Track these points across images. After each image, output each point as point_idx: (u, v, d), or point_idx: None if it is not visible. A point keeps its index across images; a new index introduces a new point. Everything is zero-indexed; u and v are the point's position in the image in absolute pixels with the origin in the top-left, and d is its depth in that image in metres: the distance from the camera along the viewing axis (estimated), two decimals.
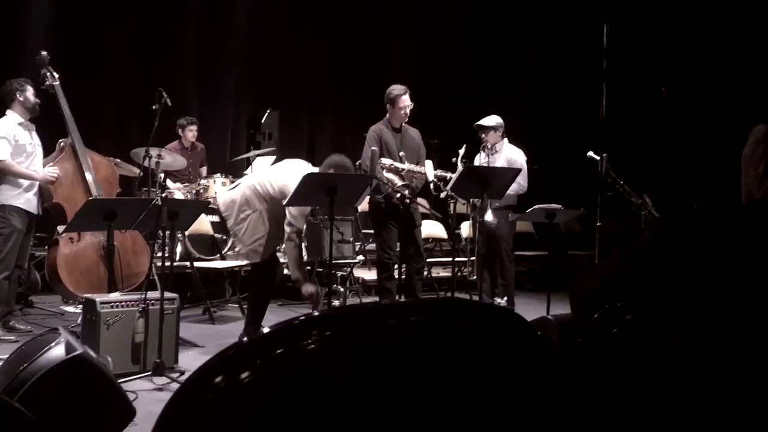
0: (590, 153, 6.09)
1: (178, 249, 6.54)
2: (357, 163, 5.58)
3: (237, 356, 0.74)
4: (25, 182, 5.20)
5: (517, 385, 0.76)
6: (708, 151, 6.55)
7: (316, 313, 0.83)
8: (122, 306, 4.30)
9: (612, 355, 1.05)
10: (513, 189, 5.91)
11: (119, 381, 3.21)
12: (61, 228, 5.27)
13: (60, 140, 5.52)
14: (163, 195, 5.31)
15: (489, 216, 5.48)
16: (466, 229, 7.46)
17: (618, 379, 1.02)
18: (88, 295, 4.44)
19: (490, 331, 0.80)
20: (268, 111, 8.28)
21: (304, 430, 0.69)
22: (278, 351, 0.73)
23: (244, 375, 0.72)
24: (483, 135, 6.23)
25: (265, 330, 0.76)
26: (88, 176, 5.44)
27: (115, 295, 4.43)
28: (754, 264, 1.25)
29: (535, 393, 0.77)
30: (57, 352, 3.04)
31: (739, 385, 1.11)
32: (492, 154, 6.20)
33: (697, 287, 1.22)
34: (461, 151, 5.78)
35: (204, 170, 7.72)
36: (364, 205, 6.70)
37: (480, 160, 6.20)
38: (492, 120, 6.27)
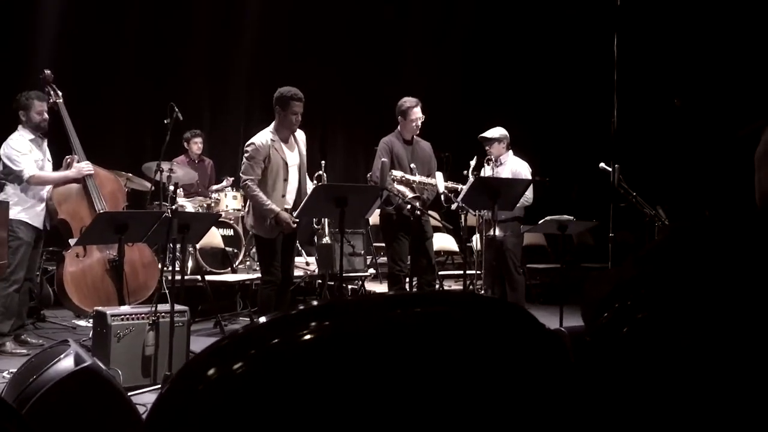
0: (602, 164, 6.06)
1: (189, 262, 6.54)
2: (368, 175, 5.58)
3: (230, 346, 0.72)
4: (33, 197, 5.22)
5: (524, 380, 0.74)
6: (720, 152, 6.51)
7: (315, 303, 0.81)
8: (133, 319, 4.29)
9: (622, 354, 1.03)
10: (519, 201, 5.89)
11: (129, 394, 3.20)
12: (72, 241, 5.28)
13: (66, 156, 5.54)
14: (174, 208, 5.31)
15: (497, 231, 5.47)
16: (477, 241, 7.42)
17: (628, 377, 1.00)
18: (99, 308, 4.44)
19: (497, 325, 0.78)
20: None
21: (298, 422, 0.67)
22: (274, 341, 0.71)
23: (237, 366, 0.70)
24: (487, 147, 6.19)
25: (262, 320, 0.74)
26: (93, 191, 5.46)
27: (125, 308, 4.43)
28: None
29: (543, 387, 0.75)
30: (66, 363, 3.03)
31: (749, 385, 1.08)
32: (497, 166, 6.17)
33: (711, 288, 1.19)
34: (472, 163, 5.76)
35: (213, 187, 7.75)
36: (375, 218, 6.69)
37: (485, 172, 6.16)
38: (496, 132, 6.23)
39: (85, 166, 5.38)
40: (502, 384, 0.73)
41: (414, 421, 0.69)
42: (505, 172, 6.18)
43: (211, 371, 0.70)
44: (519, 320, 0.80)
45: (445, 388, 0.70)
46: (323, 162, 5.33)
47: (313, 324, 0.72)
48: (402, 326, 0.74)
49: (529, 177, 6.20)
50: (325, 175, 5.24)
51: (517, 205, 5.86)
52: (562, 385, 0.77)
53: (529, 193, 6.10)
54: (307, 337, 0.71)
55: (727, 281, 1.20)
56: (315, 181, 5.22)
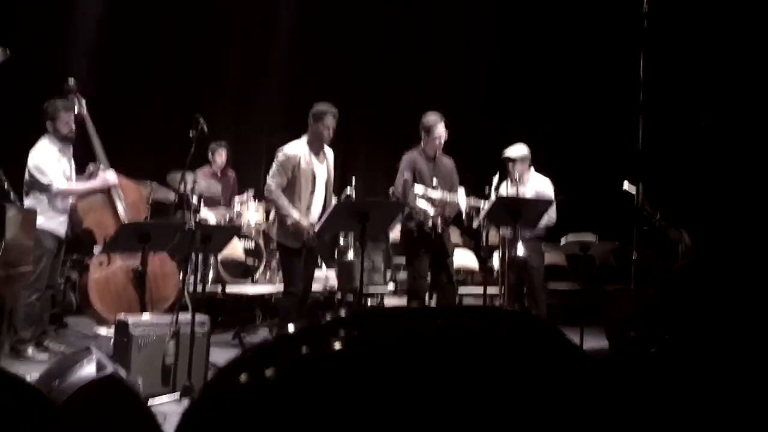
0: (626, 185, 6.02)
1: (210, 273, 6.59)
2: (390, 189, 5.59)
3: (262, 354, 0.73)
4: (58, 207, 5.29)
5: (548, 395, 0.74)
6: (744, 174, 6.42)
7: (343, 314, 0.82)
8: (154, 328, 4.33)
9: (651, 373, 1.02)
10: (543, 221, 5.86)
11: (149, 402, 3.22)
12: (97, 249, 5.35)
13: (89, 164, 5.61)
14: (197, 219, 5.36)
15: (521, 250, 5.44)
16: (498, 260, 7.39)
17: (658, 395, 0.99)
18: (121, 317, 4.48)
19: (522, 340, 0.78)
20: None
21: (327, 428, 0.68)
22: (304, 349, 0.72)
23: (268, 372, 0.71)
24: (510, 166, 6.14)
25: (291, 328, 0.75)
26: (117, 201, 5.52)
27: (147, 317, 4.47)
28: None
29: (568, 403, 0.75)
30: (88, 370, 3.06)
31: None
32: (520, 185, 6.14)
33: (736, 311, 1.18)
34: (495, 180, 5.75)
35: (236, 199, 7.80)
36: (395, 234, 6.70)
37: (507, 191, 6.12)
38: (519, 151, 6.18)
39: (110, 177, 5.45)
40: (525, 399, 0.73)
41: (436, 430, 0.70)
42: (528, 191, 6.15)
43: (243, 378, 0.71)
44: (544, 335, 0.80)
45: (468, 400, 0.70)
46: (353, 177, 5.37)
47: (342, 333, 0.73)
48: (427, 338, 0.74)
49: (552, 196, 6.17)
50: (354, 194, 5.28)
51: (541, 224, 5.83)
52: (588, 400, 0.77)
53: (552, 213, 6.06)
54: (337, 346, 0.72)
55: (752, 305, 1.19)
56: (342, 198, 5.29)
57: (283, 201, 5.08)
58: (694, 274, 1.43)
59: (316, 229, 4.91)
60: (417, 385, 0.70)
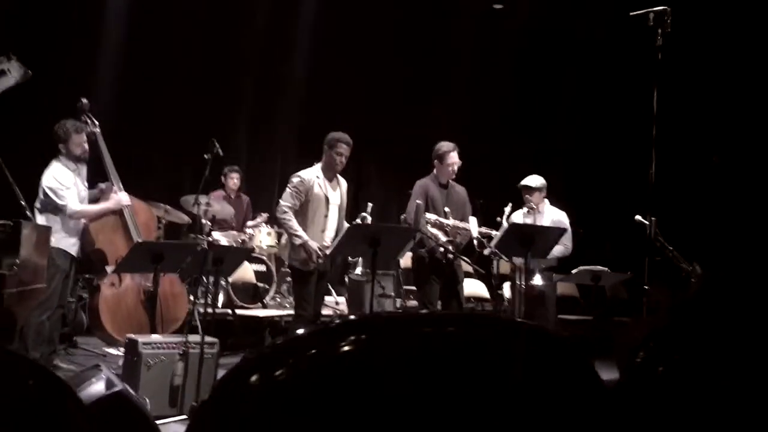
0: (638, 217, 6.01)
1: (221, 296, 6.60)
2: (401, 216, 5.61)
3: (272, 355, 0.74)
4: (71, 227, 5.31)
5: (556, 405, 0.75)
6: (757, 210, 6.42)
7: (353, 317, 0.83)
8: (163, 348, 4.34)
9: (658, 393, 1.02)
10: (559, 251, 5.85)
11: (157, 422, 3.21)
12: (109, 269, 5.37)
13: (99, 184, 5.64)
14: (209, 240, 5.39)
15: (538, 279, 5.43)
16: (508, 289, 7.36)
17: (665, 416, 0.99)
18: (131, 336, 4.49)
19: (528, 350, 0.79)
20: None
21: (334, 427, 0.69)
22: (312, 352, 0.73)
23: (278, 373, 0.72)
24: (528, 195, 6.17)
25: (300, 332, 0.76)
26: (129, 221, 5.55)
27: (156, 337, 4.48)
28: None
29: (575, 414, 0.75)
30: (97, 387, 3.06)
31: None
32: (536, 215, 6.14)
33: (747, 337, 1.18)
34: (507, 210, 5.75)
35: (249, 222, 7.84)
36: (406, 261, 6.70)
37: (522, 220, 6.12)
38: (537, 180, 6.22)
39: (123, 198, 5.48)
40: (528, 406, 0.73)
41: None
42: (545, 220, 6.15)
43: (254, 378, 0.72)
44: (551, 345, 0.81)
45: (473, 407, 0.71)
46: (370, 204, 5.42)
47: (350, 337, 0.74)
48: (434, 343, 0.75)
49: (569, 227, 6.16)
50: (369, 217, 5.32)
51: (557, 254, 5.84)
52: (595, 413, 0.77)
53: (569, 243, 6.06)
54: (345, 348, 0.73)
55: (762, 331, 1.19)
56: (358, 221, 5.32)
57: (294, 222, 5.14)
58: (705, 299, 1.44)
59: (329, 252, 4.93)
60: (423, 390, 0.71)
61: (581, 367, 0.80)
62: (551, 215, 6.21)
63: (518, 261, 5.96)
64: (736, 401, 1.02)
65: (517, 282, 5.97)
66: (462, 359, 0.74)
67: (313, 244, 5.08)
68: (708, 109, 8.15)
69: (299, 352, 0.74)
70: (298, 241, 5.09)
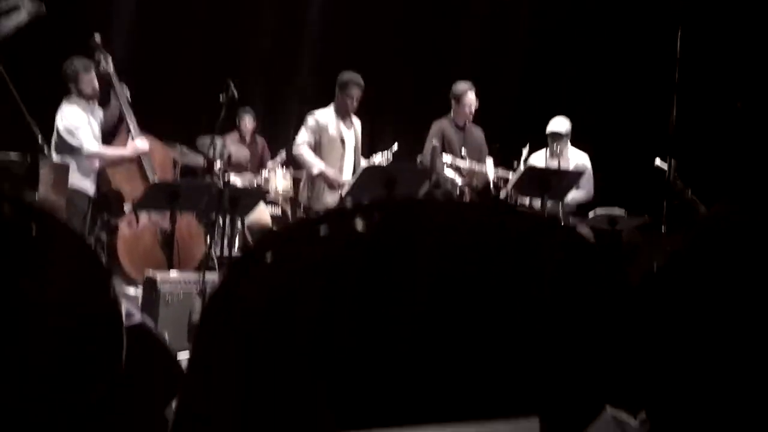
0: (657, 160, 5.94)
1: (237, 239, 6.62)
2: (418, 158, 5.58)
3: (286, 234, 0.74)
4: (87, 167, 5.32)
5: (580, 301, 0.74)
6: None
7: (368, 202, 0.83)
8: (182, 285, 4.39)
9: (666, 307, 1.01)
10: (582, 196, 5.84)
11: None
12: (127, 207, 5.40)
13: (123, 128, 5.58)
14: (226, 181, 5.40)
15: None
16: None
17: (668, 333, 0.98)
18: (149, 273, 4.54)
19: (553, 244, 0.78)
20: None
21: (346, 305, 0.69)
22: (327, 231, 0.73)
23: (291, 251, 0.72)
24: (556, 142, 5.98)
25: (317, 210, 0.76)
26: (145, 161, 5.54)
27: (175, 274, 4.53)
28: None
29: (597, 308, 0.75)
30: None
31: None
32: (561, 159, 6.02)
33: (743, 279, 1.17)
34: (524, 152, 5.67)
35: (269, 163, 7.81)
36: None
37: (546, 163, 5.98)
38: (564, 125, 6.01)
39: (140, 144, 5.43)
40: (544, 297, 0.73)
41: (448, 324, 0.70)
42: (570, 165, 6.04)
43: (268, 256, 0.72)
44: (575, 241, 0.80)
45: (487, 296, 0.70)
46: (395, 144, 5.41)
47: (366, 217, 0.73)
48: (449, 229, 0.74)
49: (591, 170, 6.09)
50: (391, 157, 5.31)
51: (581, 199, 5.82)
52: (620, 312, 0.77)
53: (590, 187, 6.01)
54: (360, 227, 0.73)
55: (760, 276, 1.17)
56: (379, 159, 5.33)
57: (310, 155, 5.20)
58: (704, 230, 1.42)
59: (343, 193, 4.93)
60: (434, 271, 0.70)
61: (610, 267, 0.80)
62: (575, 159, 6.11)
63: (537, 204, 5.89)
64: (729, 330, 1.01)
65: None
66: (485, 247, 0.73)
67: (330, 171, 5.14)
68: (732, 53, 7.96)
69: (313, 231, 0.73)
70: (315, 170, 5.17)
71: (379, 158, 5.28)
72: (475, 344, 0.70)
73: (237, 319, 0.71)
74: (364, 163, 5.24)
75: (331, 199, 5.26)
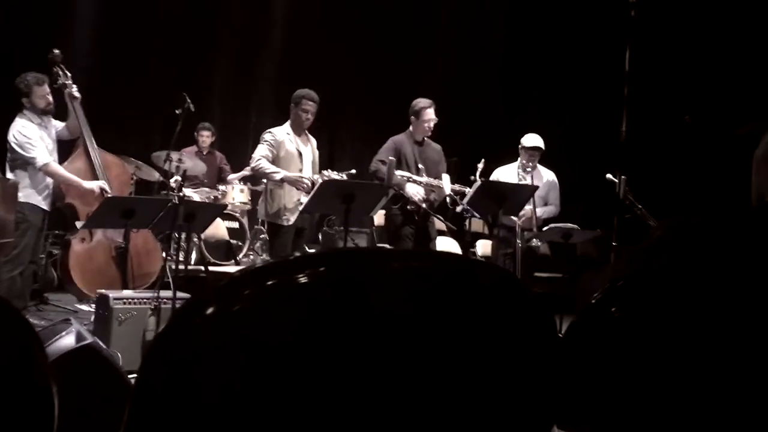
0: (609, 175, 6.07)
1: (193, 253, 6.58)
2: (370, 168, 5.62)
3: (228, 287, 0.75)
4: (42, 181, 5.24)
5: (508, 342, 0.77)
6: (725, 160, 6.51)
7: (314, 251, 0.84)
8: (135, 303, 4.33)
9: (609, 334, 1.05)
10: (552, 210, 5.99)
11: (129, 376, 3.22)
12: (79, 224, 5.32)
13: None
14: (181, 196, 5.35)
15: (536, 242, 5.54)
16: (480, 247, 7.43)
17: (615, 354, 1.02)
18: (102, 291, 4.47)
19: (487, 287, 0.81)
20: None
21: (289, 357, 0.70)
22: (269, 283, 0.74)
23: (233, 304, 0.73)
24: (529, 155, 6.08)
25: (258, 263, 0.77)
26: (100, 175, 5.47)
27: (128, 292, 4.47)
28: (760, 263, 1.25)
29: (525, 352, 0.78)
30: (67, 341, 3.06)
31: (735, 380, 1.10)
32: (529, 173, 6.13)
33: (704, 282, 1.21)
34: (480, 166, 5.75)
35: (231, 177, 7.78)
36: (379, 219, 6.72)
37: (520, 179, 6.07)
38: (542, 141, 6.17)
39: (104, 185, 5.35)
40: (482, 342, 0.75)
41: (391, 368, 0.71)
42: (543, 179, 6.15)
43: (210, 310, 0.73)
44: (509, 286, 0.83)
45: (429, 340, 0.72)
46: (354, 170, 5.51)
47: (308, 269, 0.75)
48: (396, 278, 0.76)
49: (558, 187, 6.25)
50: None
51: (547, 214, 5.96)
52: (544, 352, 0.80)
53: (557, 202, 6.15)
54: (302, 280, 0.74)
55: (721, 278, 1.22)
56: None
57: (270, 166, 5.21)
58: (666, 246, 1.47)
59: (301, 209, 4.94)
60: (377, 322, 0.72)
61: (539, 312, 0.83)
62: (546, 174, 6.22)
63: (512, 221, 5.94)
64: (687, 343, 1.05)
65: (518, 242, 5.98)
66: (422, 295, 0.75)
67: (293, 175, 5.18)
68: (680, 67, 8.19)
69: (256, 284, 0.75)
70: (278, 177, 5.18)
71: (335, 175, 5.31)
72: (419, 392, 0.72)
73: (178, 369, 0.72)
74: (318, 177, 5.26)
75: (290, 213, 5.27)
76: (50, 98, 5.25)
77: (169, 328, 0.75)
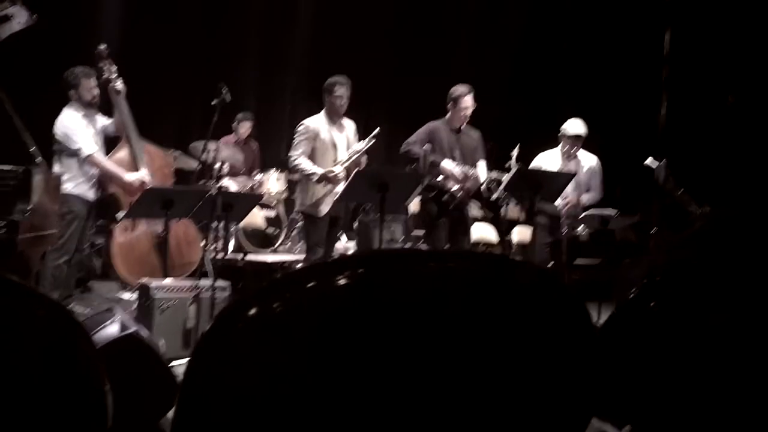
0: (649, 160, 5.98)
1: (231, 241, 6.66)
2: (406, 143, 5.60)
3: (270, 289, 0.77)
4: (87, 172, 5.34)
5: (544, 341, 0.77)
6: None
7: (351, 253, 0.85)
8: (175, 292, 4.41)
9: (647, 327, 1.04)
10: (593, 198, 5.95)
11: (170, 364, 3.29)
12: (120, 215, 5.42)
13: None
14: (219, 187, 5.42)
15: (581, 229, 5.53)
16: (517, 234, 7.38)
17: (652, 349, 1.02)
18: (144, 280, 4.57)
19: (524, 286, 0.81)
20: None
21: (326, 359, 0.71)
22: (309, 285, 0.75)
23: (275, 306, 0.74)
24: (571, 142, 6.01)
25: (299, 266, 0.78)
26: (142, 166, 5.55)
27: (169, 281, 4.55)
28: None
29: (562, 349, 0.78)
30: (112, 329, 3.14)
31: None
32: (572, 160, 6.08)
33: (744, 277, 1.20)
34: (514, 153, 5.72)
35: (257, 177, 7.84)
36: (414, 206, 6.72)
37: (563, 167, 6.03)
38: (584, 128, 6.05)
39: (145, 177, 5.43)
40: (520, 340, 0.76)
41: (429, 368, 0.72)
42: (585, 166, 6.09)
43: (252, 311, 0.75)
44: (546, 284, 0.83)
45: (467, 340, 0.73)
46: (378, 129, 5.41)
47: (348, 271, 0.76)
48: (434, 279, 0.77)
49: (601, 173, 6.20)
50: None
51: (593, 198, 5.93)
52: (582, 348, 0.80)
53: (601, 188, 6.11)
54: (342, 282, 0.75)
55: (760, 270, 1.20)
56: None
57: (308, 163, 5.22)
58: (705, 238, 1.45)
59: (336, 199, 4.96)
60: (419, 324, 0.73)
61: (577, 309, 0.83)
62: (587, 160, 6.14)
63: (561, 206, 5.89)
64: (723, 338, 1.04)
65: (563, 230, 5.96)
66: (460, 295, 0.76)
67: (330, 172, 5.18)
68: (722, 47, 7.99)
69: (297, 286, 0.76)
70: (315, 178, 5.18)
71: (362, 145, 5.32)
72: (459, 389, 0.73)
73: (222, 370, 0.74)
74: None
75: (326, 204, 5.28)
76: (96, 92, 5.36)
77: (212, 329, 0.77)
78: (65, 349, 0.88)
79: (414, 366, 0.73)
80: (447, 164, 5.41)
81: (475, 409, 0.76)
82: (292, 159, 5.32)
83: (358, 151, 5.30)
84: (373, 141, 5.35)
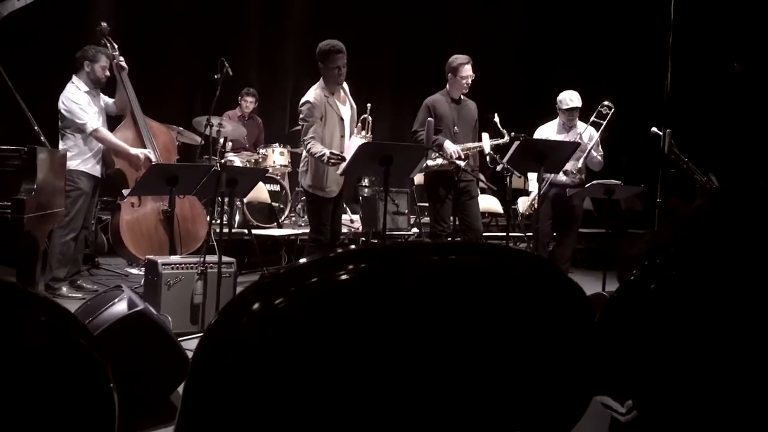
0: (654, 129, 5.94)
1: (237, 216, 6.68)
2: (413, 131, 5.58)
3: (273, 283, 0.77)
4: (92, 148, 5.36)
5: (543, 328, 0.78)
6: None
7: (353, 247, 0.86)
8: (182, 268, 4.45)
9: (648, 309, 1.05)
10: (598, 163, 5.94)
11: (178, 339, 3.33)
12: (125, 191, 5.44)
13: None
14: (223, 162, 5.41)
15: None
16: (521, 204, 7.38)
17: (652, 332, 1.02)
18: (150, 257, 4.60)
19: (524, 276, 0.82)
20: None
21: (330, 353, 0.72)
22: (312, 280, 0.76)
23: (278, 301, 0.75)
24: (568, 114, 6.02)
25: (302, 260, 0.79)
26: (147, 143, 5.57)
27: (175, 258, 4.58)
28: None
29: (561, 337, 0.79)
30: (120, 307, 3.18)
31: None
32: (569, 130, 6.07)
33: (746, 254, 1.20)
34: (496, 119, 5.60)
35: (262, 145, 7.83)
36: (419, 178, 6.71)
37: (560, 136, 6.01)
38: (579, 99, 6.05)
39: (149, 153, 5.45)
40: (521, 329, 0.76)
41: (434, 359, 0.73)
42: (585, 136, 6.06)
43: (255, 306, 0.76)
44: (546, 274, 0.83)
45: (469, 331, 0.74)
46: (369, 105, 5.14)
47: (350, 266, 0.77)
48: (436, 272, 0.78)
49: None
50: (370, 118, 5.13)
51: (596, 168, 5.93)
52: (581, 334, 0.80)
53: (601, 152, 6.10)
54: (344, 277, 0.76)
55: (762, 250, 1.20)
56: (361, 127, 5.16)
57: (319, 149, 4.89)
58: (708, 216, 1.44)
59: (340, 171, 4.92)
60: (419, 316, 0.74)
61: (575, 297, 0.83)
62: (588, 131, 6.11)
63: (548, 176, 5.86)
64: (724, 321, 1.05)
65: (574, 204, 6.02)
66: (461, 287, 0.76)
67: (336, 153, 4.83)
68: (728, 12, 7.88)
69: (299, 281, 0.77)
70: (325, 159, 4.81)
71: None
72: (464, 377, 0.74)
73: (227, 364, 0.75)
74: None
75: (333, 185, 5.10)
76: (107, 72, 5.38)
77: (217, 323, 0.78)
78: (69, 354, 0.88)
79: (418, 358, 0.74)
80: (449, 146, 5.38)
81: (479, 399, 0.77)
82: (306, 143, 4.94)
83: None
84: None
